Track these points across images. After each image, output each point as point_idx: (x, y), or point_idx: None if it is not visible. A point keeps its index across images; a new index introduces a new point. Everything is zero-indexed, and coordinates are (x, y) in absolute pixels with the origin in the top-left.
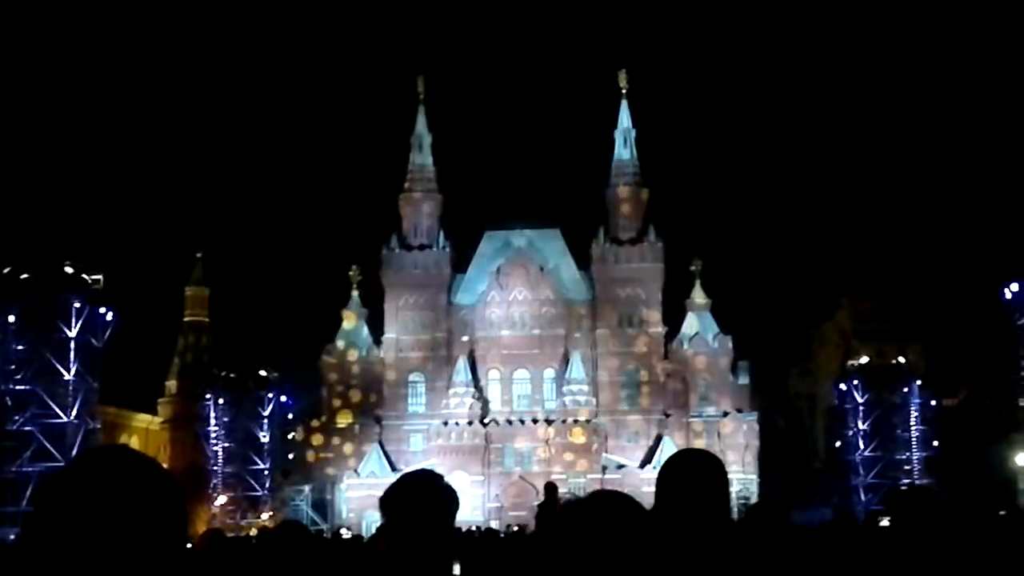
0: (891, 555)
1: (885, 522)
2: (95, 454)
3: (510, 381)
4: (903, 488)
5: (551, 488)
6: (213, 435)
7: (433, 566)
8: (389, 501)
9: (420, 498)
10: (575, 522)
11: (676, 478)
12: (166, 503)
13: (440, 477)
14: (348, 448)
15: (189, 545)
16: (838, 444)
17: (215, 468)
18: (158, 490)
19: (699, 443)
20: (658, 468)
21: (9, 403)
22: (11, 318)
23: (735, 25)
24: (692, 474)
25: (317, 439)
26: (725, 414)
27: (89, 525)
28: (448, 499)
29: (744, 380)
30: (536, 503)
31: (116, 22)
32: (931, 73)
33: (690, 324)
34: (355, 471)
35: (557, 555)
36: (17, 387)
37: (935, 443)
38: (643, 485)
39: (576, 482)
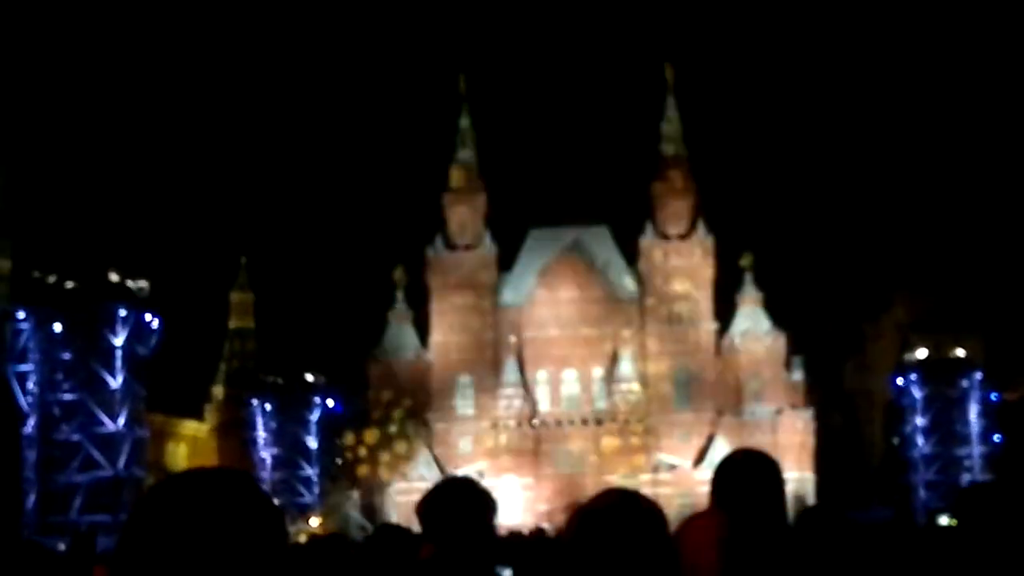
0: (954, 555)
1: (944, 520)
2: (194, 475)
3: (559, 381)
4: (968, 487)
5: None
6: (261, 441)
7: (474, 571)
8: (427, 508)
9: (458, 504)
10: (591, 527)
11: (731, 479)
12: (269, 527)
13: (477, 482)
14: (397, 452)
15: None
16: (896, 441)
17: (263, 475)
18: (261, 513)
19: (753, 441)
20: (711, 467)
21: (57, 413)
22: (57, 327)
23: (785, 14)
24: (747, 475)
25: (365, 443)
26: (779, 411)
27: (190, 546)
28: (486, 504)
29: (798, 376)
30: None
31: (161, 29)
32: (988, 66)
33: (742, 320)
34: (404, 475)
35: (577, 560)
36: (64, 397)
37: (996, 438)
38: (696, 485)
39: (628, 482)
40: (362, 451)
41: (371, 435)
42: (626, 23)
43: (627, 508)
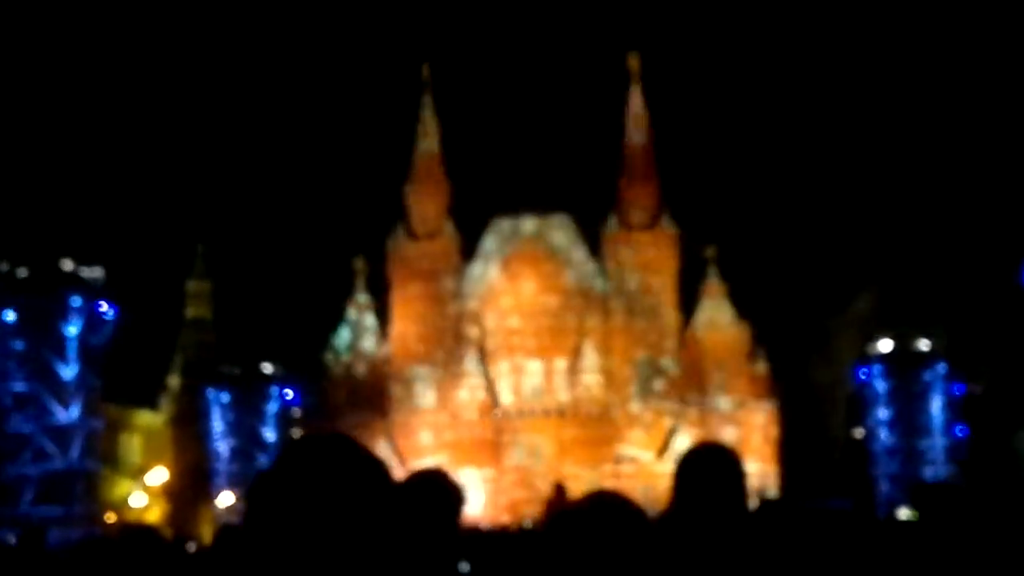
0: (911, 551)
1: (903, 514)
2: (310, 442)
3: (521, 372)
4: (928, 484)
5: (560, 488)
6: (217, 433)
7: (438, 564)
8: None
9: (426, 497)
10: (568, 529)
11: (692, 476)
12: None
13: (446, 475)
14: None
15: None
16: (860, 433)
17: (219, 467)
18: (374, 479)
19: (716, 433)
20: (673, 459)
21: (8, 404)
22: (9, 317)
23: (751, 4)
24: (709, 471)
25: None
26: (742, 403)
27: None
28: (454, 497)
29: (762, 368)
30: (547, 500)
31: (109, 11)
32: (952, 56)
33: (705, 311)
34: None
35: (552, 562)
36: (16, 387)
37: (959, 431)
38: (658, 477)
39: (590, 474)
40: None
41: (329, 426)
42: (591, 11)
43: (611, 510)
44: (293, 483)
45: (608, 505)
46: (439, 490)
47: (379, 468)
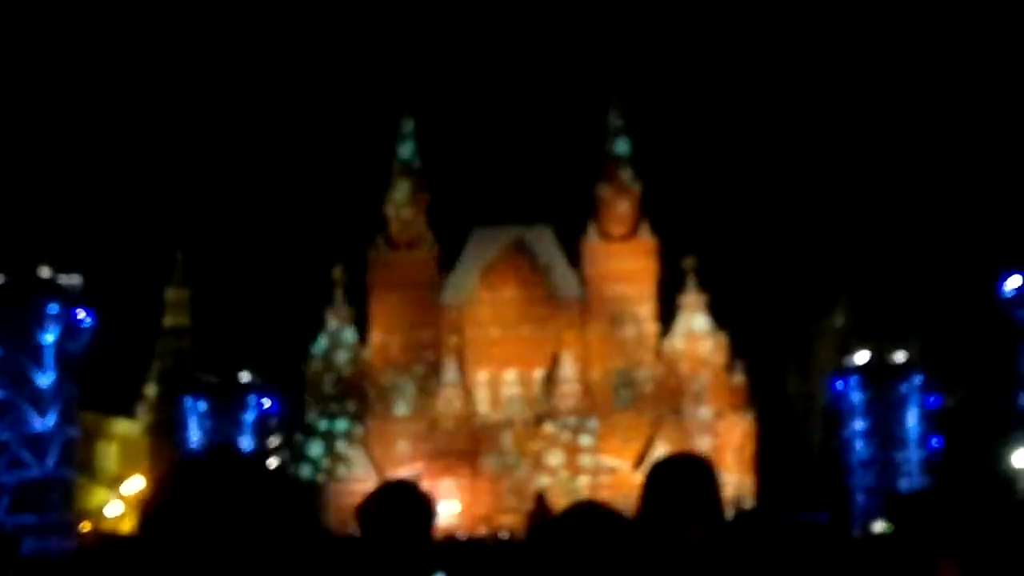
0: (885, 564)
1: (879, 527)
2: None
3: (499, 382)
4: (902, 495)
5: (541, 499)
6: (194, 442)
7: (411, 575)
8: (366, 512)
9: (397, 508)
10: (554, 538)
11: (661, 485)
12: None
13: (417, 487)
14: (333, 452)
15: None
16: (836, 444)
17: None
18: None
19: (693, 443)
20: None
21: None
22: None
23: (730, 15)
24: (678, 481)
25: (301, 443)
26: (720, 414)
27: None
28: (425, 509)
29: (739, 379)
30: (528, 511)
31: (87, 18)
32: (927, 70)
33: (683, 322)
34: (340, 476)
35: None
36: None
37: (935, 442)
38: (635, 488)
39: (568, 485)
40: (297, 451)
41: (306, 435)
42: (571, 21)
43: (598, 521)
44: (181, 496)
45: (595, 516)
46: (409, 501)
47: (275, 485)
